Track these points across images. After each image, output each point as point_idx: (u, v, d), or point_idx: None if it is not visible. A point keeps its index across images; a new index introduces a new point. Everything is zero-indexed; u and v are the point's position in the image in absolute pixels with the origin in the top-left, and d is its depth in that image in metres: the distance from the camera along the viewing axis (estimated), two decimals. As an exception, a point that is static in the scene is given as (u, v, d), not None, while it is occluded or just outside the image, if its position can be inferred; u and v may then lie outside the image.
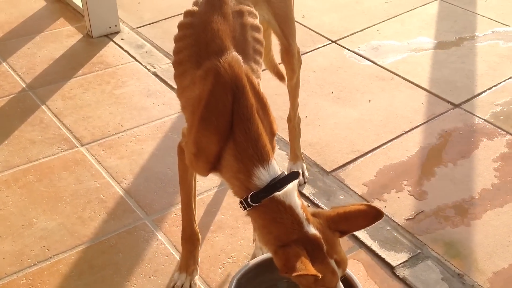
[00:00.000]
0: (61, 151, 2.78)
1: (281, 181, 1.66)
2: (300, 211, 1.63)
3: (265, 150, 1.67)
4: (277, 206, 1.63)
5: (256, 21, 1.94)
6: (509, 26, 3.69)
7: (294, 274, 1.52)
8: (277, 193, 1.63)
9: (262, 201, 1.64)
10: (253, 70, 1.84)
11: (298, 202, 1.64)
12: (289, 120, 2.62)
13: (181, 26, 1.91)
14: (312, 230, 1.62)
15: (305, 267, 1.51)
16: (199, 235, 2.12)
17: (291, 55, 2.35)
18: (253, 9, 1.95)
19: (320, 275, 1.51)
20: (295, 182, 1.68)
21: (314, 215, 1.68)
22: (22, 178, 2.61)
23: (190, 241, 2.10)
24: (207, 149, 1.73)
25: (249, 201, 1.65)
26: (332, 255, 1.62)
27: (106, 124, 2.97)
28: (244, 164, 1.67)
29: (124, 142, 2.85)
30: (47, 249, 2.28)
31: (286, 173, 1.69)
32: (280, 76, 2.69)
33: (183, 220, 2.10)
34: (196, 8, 1.90)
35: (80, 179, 2.62)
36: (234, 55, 1.74)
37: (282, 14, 2.25)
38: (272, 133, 1.78)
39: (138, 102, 3.13)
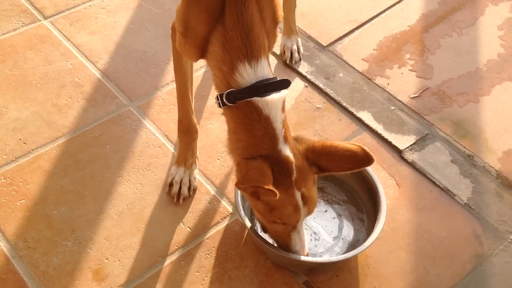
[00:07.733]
0: (22, 26, 2.43)
1: (266, 86, 1.44)
2: (278, 126, 1.44)
3: (256, 44, 1.44)
4: (253, 112, 1.44)
5: None
6: None
7: (250, 185, 1.39)
8: (257, 98, 1.43)
9: (238, 103, 1.45)
10: None
11: (279, 116, 1.45)
12: (284, -13, 2.32)
13: None
14: (287, 151, 1.45)
15: (263, 180, 1.36)
16: (197, 126, 1.92)
17: None
18: None
19: (278, 193, 1.36)
20: (284, 92, 1.47)
21: (296, 139, 1.51)
22: (-18, 60, 2.30)
23: (188, 133, 1.90)
24: (195, 29, 1.51)
25: (224, 99, 1.46)
26: (300, 187, 1.46)
27: (69, -8, 2.60)
28: (229, 54, 1.45)
29: (93, 14, 2.51)
30: (24, 143, 2.05)
31: (278, 79, 1.46)
32: None
33: (179, 111, 1.88)
34: None
35: (49, 59, 2.31)
36: None
37: None
38: (274, 21, 1.55)
39: (103, -35, 2.73)
